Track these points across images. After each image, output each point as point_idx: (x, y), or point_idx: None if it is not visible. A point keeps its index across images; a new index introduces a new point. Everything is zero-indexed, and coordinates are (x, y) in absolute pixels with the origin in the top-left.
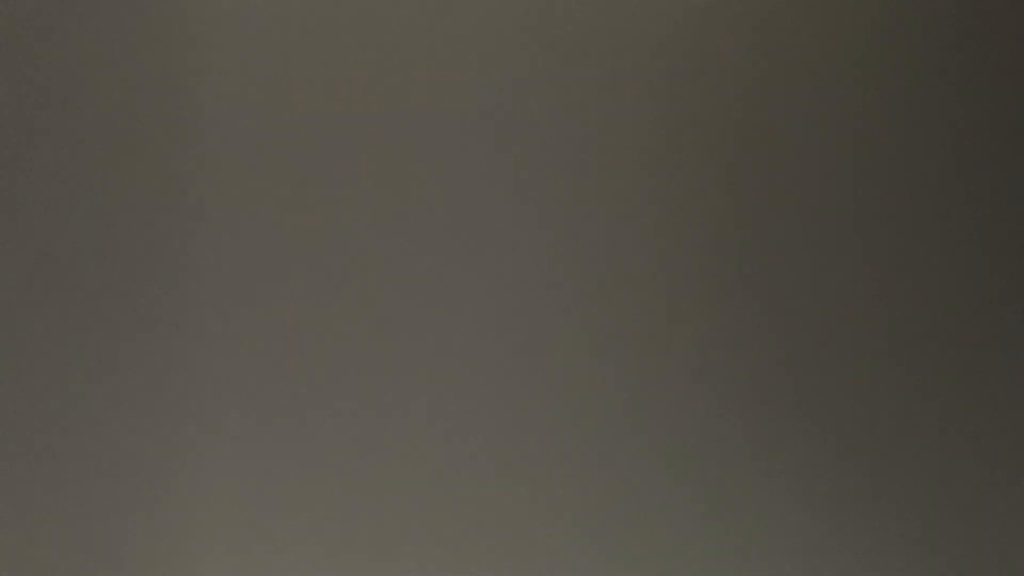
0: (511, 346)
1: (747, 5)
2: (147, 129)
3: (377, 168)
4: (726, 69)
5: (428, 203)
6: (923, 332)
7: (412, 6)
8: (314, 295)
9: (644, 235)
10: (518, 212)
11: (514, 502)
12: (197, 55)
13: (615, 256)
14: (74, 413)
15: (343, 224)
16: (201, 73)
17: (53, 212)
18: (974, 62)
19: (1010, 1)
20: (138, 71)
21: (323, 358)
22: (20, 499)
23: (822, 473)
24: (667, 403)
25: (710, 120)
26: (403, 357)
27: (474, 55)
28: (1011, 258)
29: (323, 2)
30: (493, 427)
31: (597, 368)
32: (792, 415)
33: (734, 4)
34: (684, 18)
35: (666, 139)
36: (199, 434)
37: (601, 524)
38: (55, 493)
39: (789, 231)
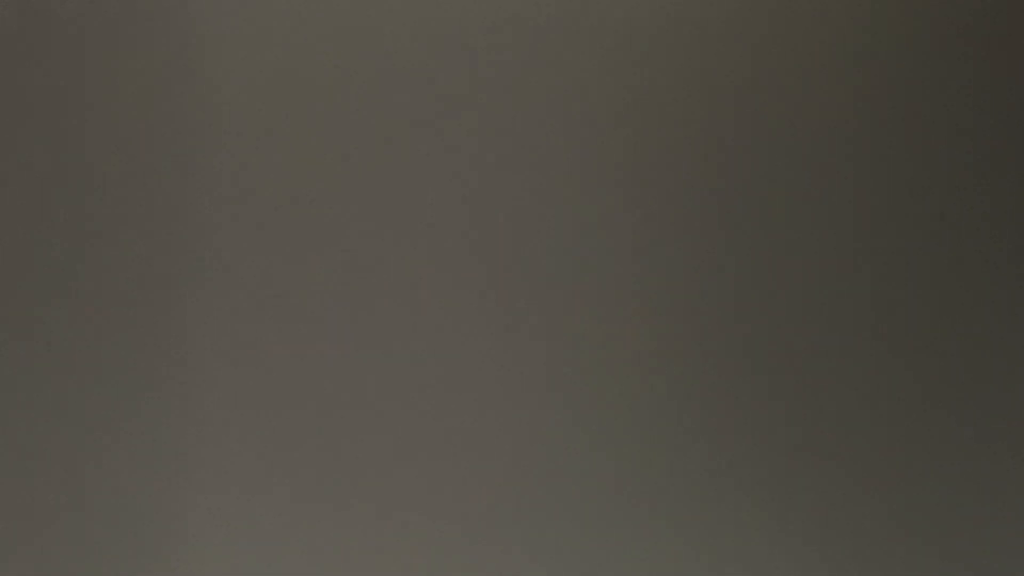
0: (512, 348)
1: (745, 4)
2: (149, 128)
3: (378, 169)
4: (727, 70)
5: (430, 204)
6: (922, 332)
7: (414, 6)
8: (315, 295)
9: (643, 236)
10: (518, 213)
11: (514, 504)
12: (201, 54)
13: (613, 258)
14: (74, 414)
15: (344, 225)
16: (205, 73)
17: (54, 212)
18: (973, 62)
19: (1010, 1)
20: (141, 71)
21: (324, 359)
22: (20, 499)
23: (822, 474)
24: (667, 404)
25: (712, 121)
26: (404, 358)
27: (475, 54)
28: (1011, 258)
29: (326, 2)
30: (492, 429)
31: (596, 370)
32: (792, 417)
33: (732, 4)
34: (683, 19)
35: (668, 141)
36: (200, 435)
37: (599, 526)
38: (55, 493)
39: (792, 233)
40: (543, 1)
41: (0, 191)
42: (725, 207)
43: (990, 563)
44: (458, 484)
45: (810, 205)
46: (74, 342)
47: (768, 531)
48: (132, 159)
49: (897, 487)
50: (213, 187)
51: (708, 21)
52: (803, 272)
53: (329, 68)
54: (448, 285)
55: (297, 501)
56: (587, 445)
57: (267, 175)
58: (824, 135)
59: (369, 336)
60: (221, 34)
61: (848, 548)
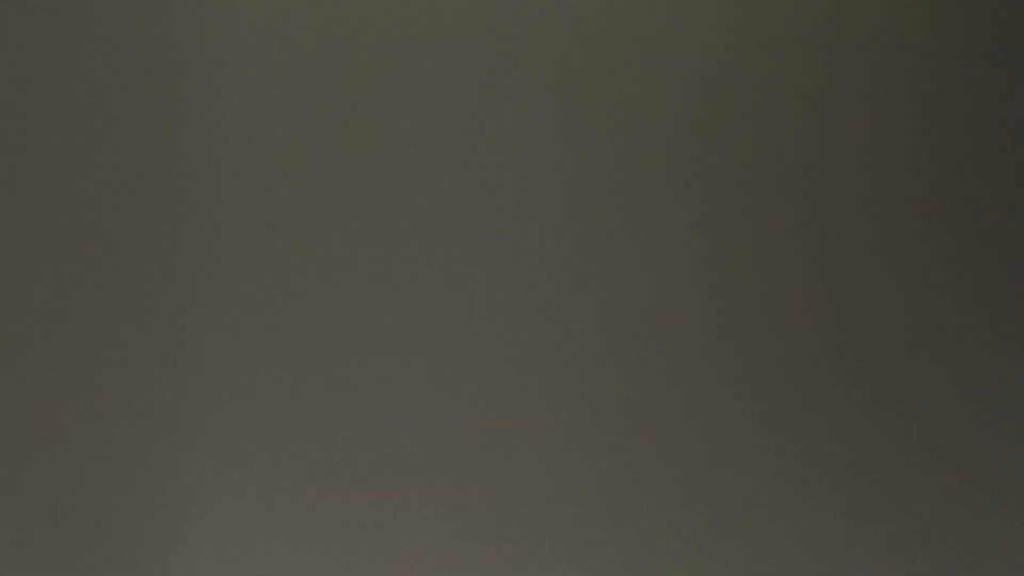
0: (511, 347)
1: (748, 6)
2: (149, 129)
3: (378, 169)
4: (728, 70)
5: (430, 205)
6: (922, 333)
7: (415, 6)
8: (315, 296)
9: (642, 237)
10: (518, 214)
11: (512, 506)
12: (201, 53)
13: (612, 258)
14: (75, 415)
15: (344, 226)
16: (205, 74)
17: (55, 212)
18: (974, 61)
19: (1010, 1)
20: (141, 71)
21: (323, 360)
22: (20, 500)
23: (820, 474)
24: (667, 405)
25: (711, 121)
26: (403, 359)
27: (476, 55)
28: (1011, 258)
29: (328, 2)
30: (490, 430)
31: (595, 371)
32: (790, 417)
33: (734, 5)
34: (683, 19)
35: (667, 141)
36: (200, 436)
37: (597, 527)
38: (55, 494)
39: (790, 233)
40: (543, 1)
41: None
42: (729, 206)
43: (990, 563)
44: (459, 485)
45: (813, 204)
46: (72, 339)
47: (771, 529)
48: (132, 157)
49: (903, 488)
50: (212, 185)
51: (712, 20)
52: (807, 271)
53: (330, 65)
54: (448, 284)
55: (296, 502)
56: (588, 446)
57: (267, 174)
58: (826, 133)
59: (372, 336)
60: (225, 31)
61: (853, 548)
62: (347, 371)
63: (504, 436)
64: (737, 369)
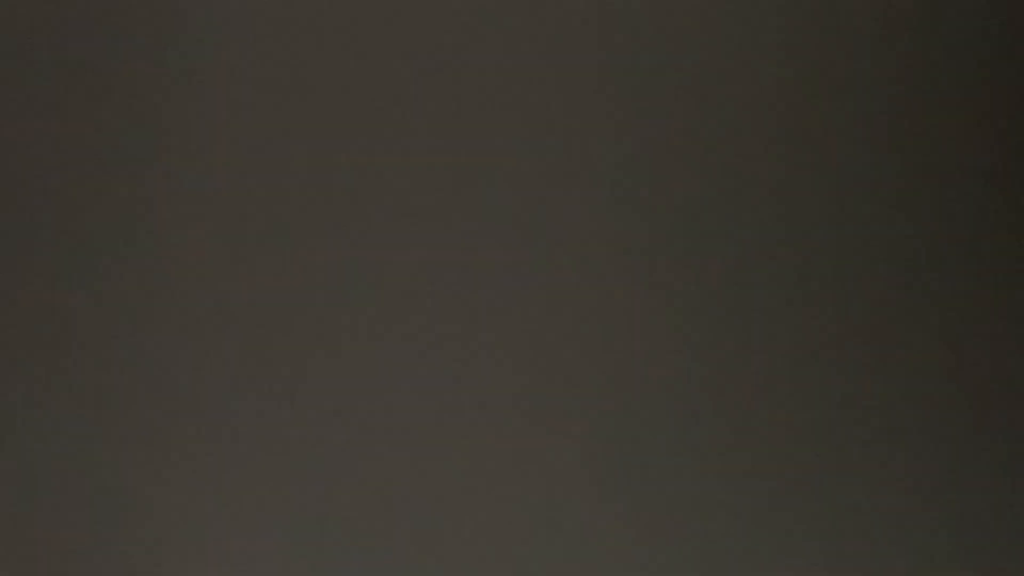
0: (509, 346)
1: (751, 6)
2: (143, 128)
3: (375, 167)
4: (731, 69)
5: (426, 203)
6: (922, 332)
7: (412, 5)
8: (311, 294)
9: (642, 236)
10: (517, 213)
11: (510, 504)
12: (190, 51)
13: (611, 257)
14: (71, 414)
15: (341, 224)
16: (194, 71)
17: (49, 210)
18: (975, 62)
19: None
20: (132, 70)
21: (321, 358)
22: (19, 499)
23: (818, 474)
24: (667, 404)
25: (712, 120)
26: (401, 356)
27: (479, 51)
28: (1011, 258)
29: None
30: (489, 428)
31: (595, 370)
32: (788, 417)
33: (738, 5)
34: (688, 18)
35: (667, 140)
36: (197, 434)
37: (594, 526)
38: (54, 493)
39: (788, 233)
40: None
41: None
42: (735, 207)
43: (990, 563)
44: (460, 491)
45: (816, 203)
46: (67, 337)
47: (772, 530)
48: (129, 155)
49: (908, 489)
50: (204, 185)
51: (719, 19)
52: (810, 272)
53: (321, 63)
54: (445, 283)
55: (295, 503)
56: (584, 447)
57: (261, 171)
58: (829, 133)
59: (370, 335)
60: (215, 27)
61: (856, 548)
62: (346, 371)
63: (502, 436)
64: (736, 370)
